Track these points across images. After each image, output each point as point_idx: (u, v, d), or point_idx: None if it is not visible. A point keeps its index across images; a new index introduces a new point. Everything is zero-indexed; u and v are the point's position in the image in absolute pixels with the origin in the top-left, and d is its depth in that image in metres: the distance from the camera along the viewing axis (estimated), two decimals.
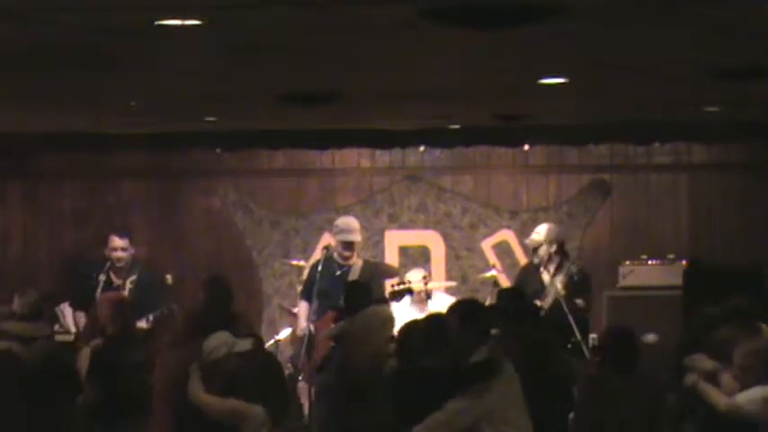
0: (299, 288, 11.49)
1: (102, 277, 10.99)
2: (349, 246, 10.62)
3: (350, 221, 10.87)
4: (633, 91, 9.45)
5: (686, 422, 7.26)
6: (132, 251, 11.32)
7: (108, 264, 11.09)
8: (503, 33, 6.18)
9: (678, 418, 7.39)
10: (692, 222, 12.87)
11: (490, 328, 7.17)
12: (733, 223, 12.78)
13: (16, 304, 8.33)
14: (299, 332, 10.52)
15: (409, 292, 10.40)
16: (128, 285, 11.04)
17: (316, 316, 10.34)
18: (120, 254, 11.16)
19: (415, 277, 10.77)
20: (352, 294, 9.12)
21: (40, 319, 7.96)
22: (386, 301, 9.73)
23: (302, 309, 10.61)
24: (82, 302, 10.91)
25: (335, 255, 10.63)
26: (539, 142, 12.62)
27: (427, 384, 6.73)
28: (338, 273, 10.47)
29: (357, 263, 10.53)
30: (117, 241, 11.23)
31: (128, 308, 8.83)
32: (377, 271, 10.71)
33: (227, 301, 8.64)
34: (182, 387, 7.16)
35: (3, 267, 13.03)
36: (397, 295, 10.31)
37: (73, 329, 11.04)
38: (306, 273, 11.02)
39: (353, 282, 10.03)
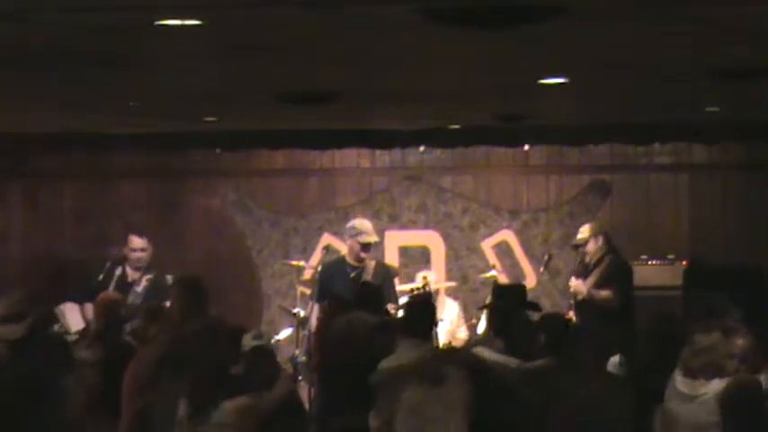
0: (300, 288, 11.46)
1: (118, 271, 11.03)
2: (368, 247, 10.39)
3: (365, 223, 10.66)
4: (633, 91, 9.45)
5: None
6: (150, 251, 11.30)
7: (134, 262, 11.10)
8: (503, 33, 6.18)
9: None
10: (692, 222, 12.86)
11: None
12: (733, 223, 12.78)
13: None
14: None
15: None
16: (143, 282, 11.04)
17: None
18: (139, 254, 11.18)
19: (431, 279, 10.91)
20: (366, 296, 8.93)
21: (23, 320, 7.87)
22: (397, 302, 9.85)
23: (315, 312, 10.27)
24: (90, 297, 10.84)
25: (348, 257, 10.42)
26: (539, 142, 12.61)
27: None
28: (352, 274, 10.25)
29: (370, 264, 10.34)
30: (137, 241, 11.23)
31: (114, 308, 8.76)
32: (389, 272, 10.64)
33: (198, 301, 8.48)
34: (144, 386, 7.20)
35: (3, 267, 13.03)
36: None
37: (74, 330, 11.00)
38: (311, 275, 10.91)
39: (366, 283, 9.81)
